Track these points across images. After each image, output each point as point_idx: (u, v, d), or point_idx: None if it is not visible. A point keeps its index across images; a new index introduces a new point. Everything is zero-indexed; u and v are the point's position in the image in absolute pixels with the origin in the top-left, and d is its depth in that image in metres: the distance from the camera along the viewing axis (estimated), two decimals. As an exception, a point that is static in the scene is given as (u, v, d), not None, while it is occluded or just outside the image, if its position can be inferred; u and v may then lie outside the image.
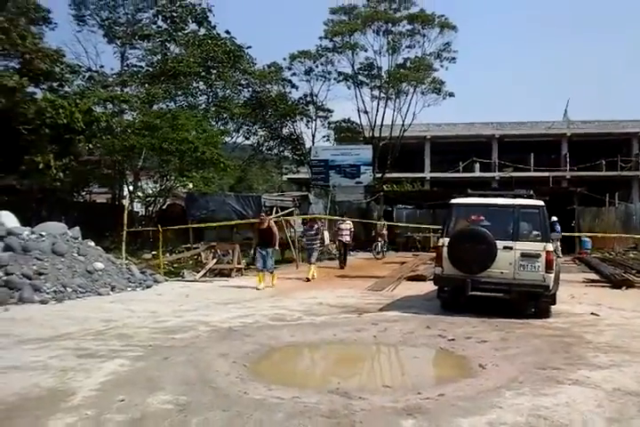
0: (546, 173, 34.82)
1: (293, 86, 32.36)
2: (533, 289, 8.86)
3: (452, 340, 7.41)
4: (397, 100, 31.70)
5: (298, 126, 33.02)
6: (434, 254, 10.75)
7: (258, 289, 12.32)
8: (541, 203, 9.54)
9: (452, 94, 31.35)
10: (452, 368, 6.55)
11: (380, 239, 22.41)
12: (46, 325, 8.29)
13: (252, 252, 14.03)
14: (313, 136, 33.81)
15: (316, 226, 14.83)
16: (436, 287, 9.78)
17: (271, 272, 13.03)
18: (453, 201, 9.92)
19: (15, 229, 11.71)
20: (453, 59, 31.18)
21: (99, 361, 6.29)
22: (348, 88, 32.56)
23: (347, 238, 18.64)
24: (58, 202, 20.06)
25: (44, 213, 18.37)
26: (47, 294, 10.44)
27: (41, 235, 11.85)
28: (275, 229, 13.08)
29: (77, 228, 13.03)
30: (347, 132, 33.99)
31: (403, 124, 31.72)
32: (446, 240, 9.27)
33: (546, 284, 8.82)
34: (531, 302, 9.14)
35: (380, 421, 4.44)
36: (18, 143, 17.59)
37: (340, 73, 32.31)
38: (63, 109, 16.88)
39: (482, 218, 9.34)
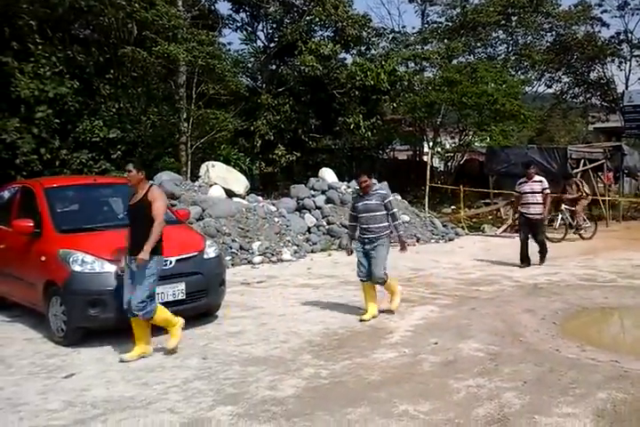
0: None
1: (604, 24, 28.83)
2: None
3: None
4: None
5: (608, 69, 29.56)
6: None
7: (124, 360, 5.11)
8: None
9: None
10: None
11: (566, 207, 13.32)
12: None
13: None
14: (627, 79, 29.98)
15: (373, 185, 6.73)
16: None
17: (149, 318, 5.23)
18: None
19: (334, 183, 13.13)
20: None
21: (410, 305, 6.87)
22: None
23: (533, 211, 9.47)
24: (365, 159, 21.79)
25: (354, 170, 20.16)
26: (360, 242, 11.59)
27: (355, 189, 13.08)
28: (159, 204, 5.27)
29: (385, 182, 13.95)
30: (671, 72, 29.24)
31: None
32: None
33: None
34: None
35: None
36: (332, 106, 19.54)
37: (665, 2, 27.75)
38: (370, 72, 18.01)
39: None
